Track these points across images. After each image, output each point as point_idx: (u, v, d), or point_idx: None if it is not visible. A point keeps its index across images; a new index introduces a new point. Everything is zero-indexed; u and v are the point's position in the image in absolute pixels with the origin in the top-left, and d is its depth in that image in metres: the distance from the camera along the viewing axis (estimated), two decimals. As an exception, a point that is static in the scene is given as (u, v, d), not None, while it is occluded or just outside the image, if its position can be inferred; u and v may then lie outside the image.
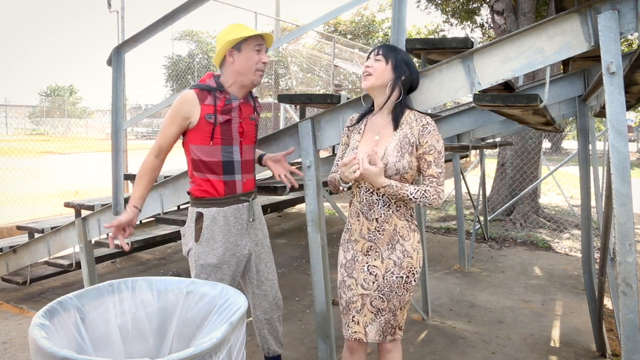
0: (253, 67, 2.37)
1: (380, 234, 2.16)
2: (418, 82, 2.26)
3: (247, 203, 2.50)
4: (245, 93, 2.47)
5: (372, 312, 2.18)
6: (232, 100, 2.41)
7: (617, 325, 3.67)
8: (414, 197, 2.07)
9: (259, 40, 2.37)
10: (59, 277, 4.86)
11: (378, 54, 2.17)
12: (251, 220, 2.52)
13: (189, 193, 2.53)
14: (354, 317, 2.22)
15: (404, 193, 2.08)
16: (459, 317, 4.21)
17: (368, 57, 2.23)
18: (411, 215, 2.20)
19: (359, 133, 2.26)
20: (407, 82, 2.18)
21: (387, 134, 2.18)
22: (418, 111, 2.21)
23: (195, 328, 2.04)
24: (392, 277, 2.14)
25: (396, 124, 2.16)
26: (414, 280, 2.19)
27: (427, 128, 2.12)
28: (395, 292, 2.15)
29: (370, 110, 2.30)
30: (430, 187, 2.09)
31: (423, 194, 2.07)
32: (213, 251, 2.43)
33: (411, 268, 2.16)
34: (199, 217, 2.44)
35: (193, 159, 2.43)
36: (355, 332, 2.22)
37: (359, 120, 2.31)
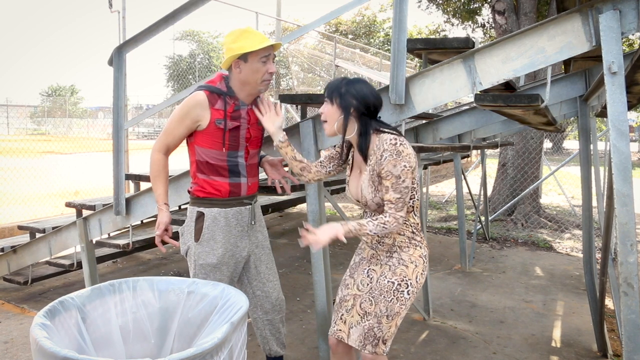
0: (260, 78, 2.35)
1: (381, 245, 2.21)
2: (377, 104, 2.14)
3: (250, 206, 2.51)
4: (253, 99, 2.46)
5: (359, 315, 2.19)
6: (241, 106, 2.41)
7: (619, 325, 3.67)
8: (374, 232, 2.05)
9: (267, 51, 2.33)
10: (60, 276, 4.86)
11: (325, 98, 2.18)
12: (252, 223, 2.52)
13: (189, 192, 2.52)
14: (342, 315, 2.24)
15: (364, 232, 2.06)
16: (460, 317, 4.20)
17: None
18: (412, 232, 2.18)
19: (348, 165, 2.30)
20: (360, 111, 2.11)
21: (363, 167, 2.18)
22: (384, 130, 2.11)
23: (197, 328, 2.04)
24: (384, 280, 2.15)
25: (364, 157, 2.13)
26: (407, 293, 2.13)
27: (383, 155, 2.04)
28: (384, 297, 2.13)
29: None
30: (389, 215, 2.04)
31: (383, 227, 2.04)
32: (213, 251, 2.43)
33: (404, 277, 2.13)
34: (200, 216, 2.43)
35: (198, 160, 2.43)
36: (339, 329, 2.23)
37: (348, 150, 2.32)
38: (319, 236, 2.05)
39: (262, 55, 2.32)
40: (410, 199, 2.13)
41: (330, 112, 2.15)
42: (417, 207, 2.18)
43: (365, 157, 2.13)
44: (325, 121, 2.19)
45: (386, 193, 2.06)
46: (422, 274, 2.18)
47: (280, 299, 2.65)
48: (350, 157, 2.30)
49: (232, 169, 2.42)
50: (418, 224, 2.20)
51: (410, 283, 2.14)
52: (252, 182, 2.51)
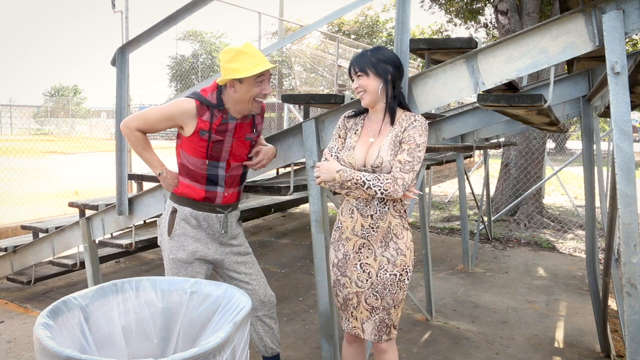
0: (253, 97, 2.37)
1: (374, 231, 2.18)
2: (402, 66, 2.23)
3: (222, 215, 2.52)
4: (243, 115, 2.47)
5: (367, 310, 2.21)
6: (229, 120, 2.42)
7: (622, 326, 3.66)
8: (366, 179, 2.07)
9: (261, 74, 2.34)
10: (63, 276, 4.87)
11: (356, 73, 2.18)
12: (223, 232, 2.54)
13: None
14: (352, 312, 2.26)
15: (357, 177, 2.08)
16: (462, 317, 4.20)
17: (350, 75, 2.23)
18: (405, 212, 2.23)
19: (355, 134, 2.26)
20: (394, 76, 2.18)
21: (382, 134, 2.19)
22: (409, 110, 2.23)
23: (200, 328, 2.04)
24: (385, 274, 2.16)
25: (393, 119, 2.18)
26: (407, 279, 2.20)
27: (413, 123, 2.14)
28: (389, 290, 2.17)
29: (366, 109, 2.29)
30: (391, 174, 2.07)
31: (376, 177, 2.06)
32: (183, 247, 2.47)
33: (404, 266, 2.18)
34: (174, 211, 2.50)
35: (181, 162, 2.49)
36: (354, 326, 2.27)
37: (355, 116, 2.31)
38: (319, 164, 2.20)
39: (257, 77, 2.33)
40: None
41: (367, 83, 2.15)
42: None
43: (392, 121, 2.17)
44: (364, 92, 2.17)
45: (400, 154, 2.10)
46: (414, 256, 2.25)
47: (268, 295, 2.67)
48: (359, 125, 2.28)
49: (210, 178, 2.46)
50: (405, 205, 2.26)
51: (409, 269, 2.21)
52: (229, 193, 2.53)
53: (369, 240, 2.19)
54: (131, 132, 2.46)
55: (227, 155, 2.46)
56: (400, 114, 2.20)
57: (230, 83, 2.35)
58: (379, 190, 2.05)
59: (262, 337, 2.67)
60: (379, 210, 2.16)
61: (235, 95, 2.36)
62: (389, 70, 2.16)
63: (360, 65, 2.17)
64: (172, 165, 2.64)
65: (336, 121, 2.67)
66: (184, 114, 2.37)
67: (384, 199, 2.15)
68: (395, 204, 2.18)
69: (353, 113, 2.33)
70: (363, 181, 2.07)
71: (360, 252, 2.21)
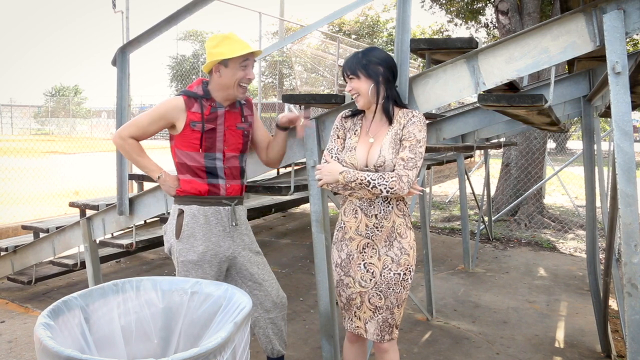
0: (237, 82, 2.41)
1: (378, 230, 2.18)
2: (395, 66, 2.23)
3: (229, 207, 2.52)
4: (230, 102, 2.50)
5: (370, 310, 2.21)
6: (217, 108, 2.45)
7: (623, 326, 3.65)
8: (371, 178, 2.07)
9: (247, 57, 2.39)
10: (63, 276, 4.88)
11: (349, 76, 2.20)
12: (233, 224, 2.53)
13: None
14: (355, 312, 2.27)
15: (362, 177, 2.09)
16: (463, 317, 4.20)
17: (343, 78, 2.25)
18: (408, 211, 2.24)
19: (355, 134, 2.27)
20: (386, 76, 2.18)
21: (381, 133, 2.20)
22: (406, 107, 2.24)
23: (200, 328, 2.04)
24: (389, 273, 2.17)
25: (390, 119, 2.19)
26: (410, 278, 2.22)
27: (412, 120, 2.15)
28: (393, 289, 2.17)
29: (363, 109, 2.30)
30: (395, 172, 2.08)
31: (380, 176, 2.08)
32: (193, 248, 2.45)
33: (408, 265, 2.19)
34: (180, 214, 2.48)
35: (178, 162, 2.50)
36: (357, 326, 2.28)
37: (353, 116, 2.32)
38: (320, 166, 2.21)
39: (241, 60, 2.38)
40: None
41: (359, 85, 2.17)
42: None
43: (390, 121, 2.18)
44: (358, 94, 2.19)
45: (401, 152, 2.11)
46: (416, 255, 2.26)
47: (281, 296, 2.66)
48: (357, 126, 2.29)
49: (209, 170, 2.46)
50: (407, 204, 2.27)
51: (413, 268, 2.22)
52: (231, 184, 2.53)
53: (373, 240, 2.20)
54: (124, 141, 2.49)
55: (222, 145, 2.47)
56: (397, 111, 2.21)
57: (216, 68, 2.40)
58: (385, 188, 2.06)
59: (272, 339, 2.65)
60: (383, 209, 2.17)
61: (220, 81, 2.41)
62: (379, 71, 2.16)
63: (351, 67, 2.19)
64: (171, 170, 2.64)
65: (336, 121, 2.68)
66: (174, 110, 2.41)
67: (387, 199, 2.16)
68: (398, 203, 2.18)
69: (350, 113, 2.33)
70: (368, 181, 2.08)
71: (364, 252, 2.21)
